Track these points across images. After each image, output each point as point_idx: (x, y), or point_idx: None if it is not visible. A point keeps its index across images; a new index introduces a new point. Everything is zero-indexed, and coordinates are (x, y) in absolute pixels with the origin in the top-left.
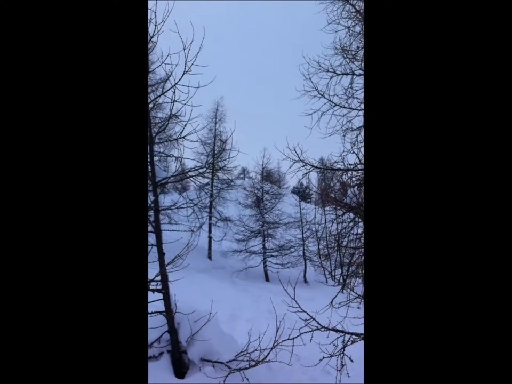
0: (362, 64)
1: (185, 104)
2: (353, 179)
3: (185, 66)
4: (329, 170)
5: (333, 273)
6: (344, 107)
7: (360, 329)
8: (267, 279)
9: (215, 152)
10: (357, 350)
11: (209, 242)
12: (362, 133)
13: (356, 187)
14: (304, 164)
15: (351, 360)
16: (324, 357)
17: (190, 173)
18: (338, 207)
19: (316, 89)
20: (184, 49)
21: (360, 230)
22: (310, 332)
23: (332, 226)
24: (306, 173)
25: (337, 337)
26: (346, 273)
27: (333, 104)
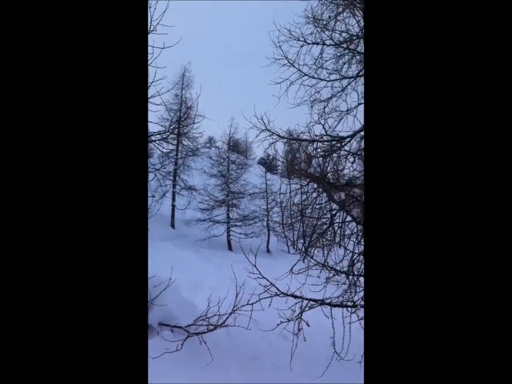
0: (333, 34)
1: (148, 65)
2: (319, 150)
3: (150, 25)
4: (295, 142)
5: (296, 243)
6: (313, 77)
7: (318, 296)
8: (230, 248)
9: (180, 118)
10: (314, 315)
11: (173, 210)
12: (329, 104)
13: (321, 158)
14: (271, 133)
15: (308, 325)
16: (281, 322)
17: (152, 137)
18: (303, 178)
19: (286, 58)
20: (149, 7)
21: (324, 200)
22: (269, 297)
23: (295, 196)
24: (272, 143)
25: (295, 303)
26: (308, 242)
27: (302, 74)
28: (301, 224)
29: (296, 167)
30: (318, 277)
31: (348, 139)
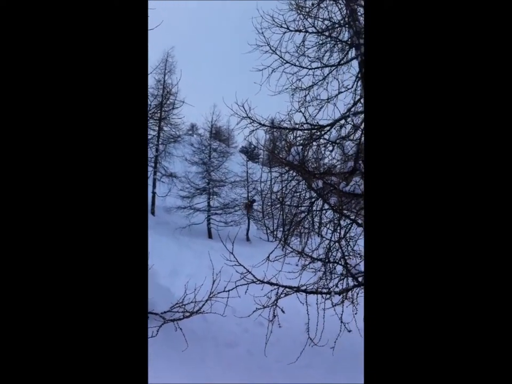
0: (316, 22)
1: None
2: (299, 138)
3: None
4: (276, 130)
5: (275, 232)
6: (295, 65)
7: (294, 283)
8: (210, 236)
9: (162, 103)
10: (289, 302)
11: (153, 197)
12: (310, 93)
13: (301, 147)
14: (251, 120)
15: (283, 311)
16: (257, 308)
17: None
18: (282, 166)
19: (268, 45)
20: None
21: (302, 188)
22: (246, 284)
23: (274, 184)
24: (253, 130)
25: (271, 290)
26: (287, 231)
27: (284, 61)
28: (281, 213)
29: (275, 156)
30: (297, 265)
31: (328, 128)
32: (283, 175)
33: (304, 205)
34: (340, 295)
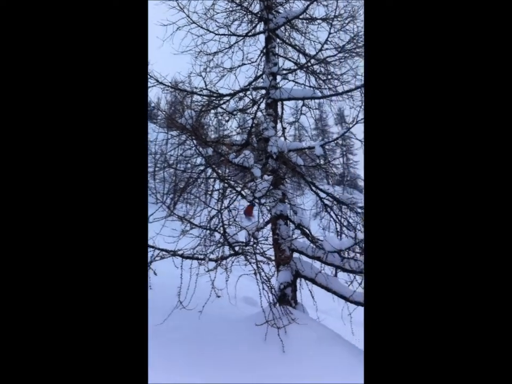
0: None
1: None
2: (196, 103)
3: None
4: (176, 90)
5: (165, 196)
6: (202, 27)
7: (172, 247)
8: None
9: None
10: (165, 266)
11: None
12: (214, 59)
13: (194, 110)
14: (149, 76)
15: (155, 274)
16: None
17: None
18: (175, 128)
19: (176, 0)
20: None
21: (191, 152)
22: None
23: (166, 146)
24: (150, 87)
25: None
26: (177, 198)
27: (191, 21)
28: (173, 178)
29: (170, 117)
30: (183, 230)
31: (227, 98)
32: (175, 137)
33: (194, 171)
34: (215, 262)
